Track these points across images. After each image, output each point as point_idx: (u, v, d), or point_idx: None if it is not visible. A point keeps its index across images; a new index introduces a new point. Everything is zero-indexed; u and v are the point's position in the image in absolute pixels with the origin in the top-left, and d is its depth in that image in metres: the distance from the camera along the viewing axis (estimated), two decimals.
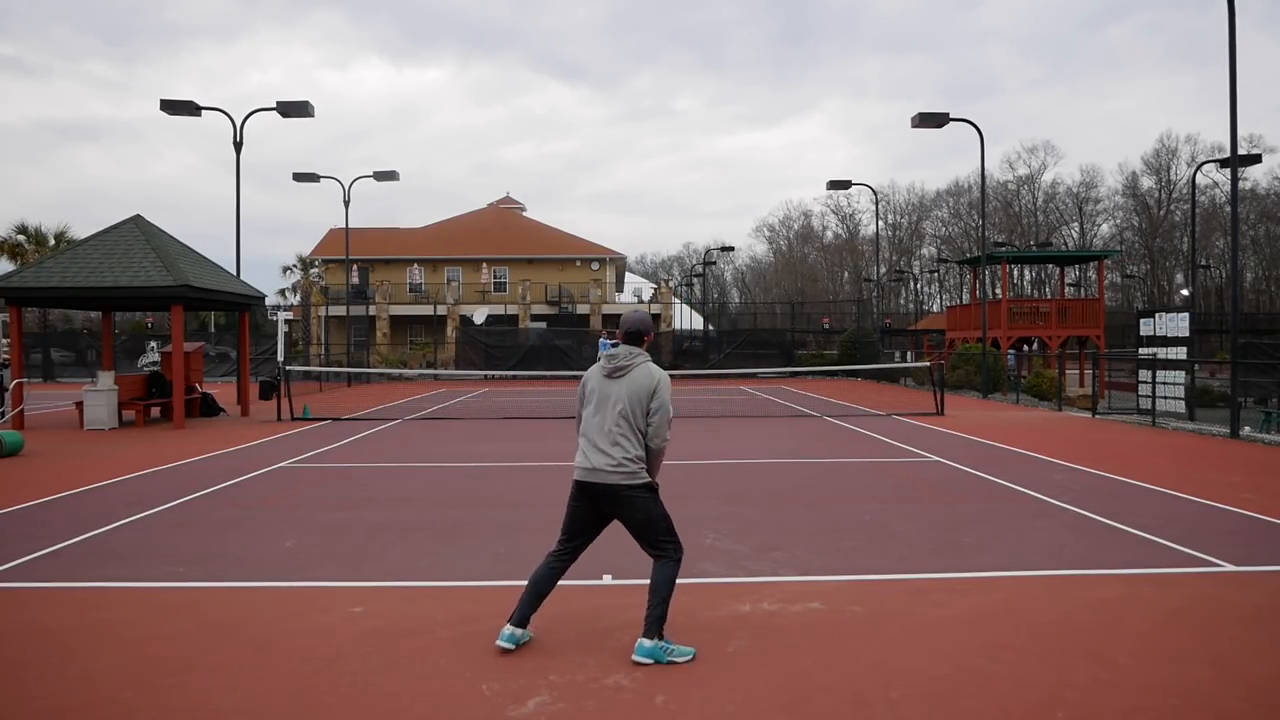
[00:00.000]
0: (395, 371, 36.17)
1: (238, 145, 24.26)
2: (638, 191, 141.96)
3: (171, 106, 23.38)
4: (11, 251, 43.05)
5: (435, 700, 4.01)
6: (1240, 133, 14.93)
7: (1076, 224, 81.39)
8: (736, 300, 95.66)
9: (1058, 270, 40.13)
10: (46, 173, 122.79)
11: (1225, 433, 14.88)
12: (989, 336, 25.77)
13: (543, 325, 45.73)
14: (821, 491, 9.63)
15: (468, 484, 10.25)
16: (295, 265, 69.02)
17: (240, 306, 20.70)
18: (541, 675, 4.27)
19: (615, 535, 7.38)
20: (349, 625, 5.07)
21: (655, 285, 55.29)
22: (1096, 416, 18.84)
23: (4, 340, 19.53)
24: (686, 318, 52.74)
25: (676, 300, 53.69)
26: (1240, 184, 24.46)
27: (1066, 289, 47.36)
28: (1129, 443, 14.09)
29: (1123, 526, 7.59)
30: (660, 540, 4.59)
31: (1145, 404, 18.20)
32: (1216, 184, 68.69)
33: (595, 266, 51.16)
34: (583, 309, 47.77)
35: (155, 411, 19.33)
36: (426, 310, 47.64)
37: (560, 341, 42.00)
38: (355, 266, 47.53)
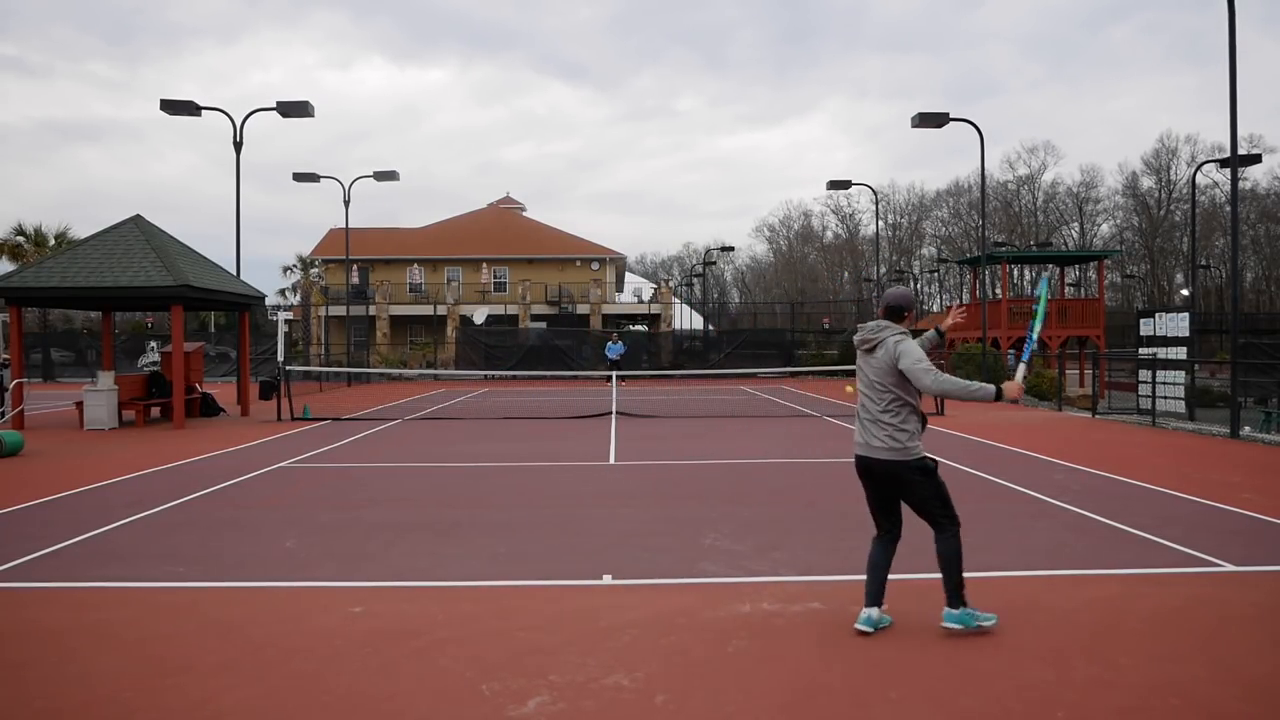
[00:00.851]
0: (395, 371, 36.18)
1: (238, 145, 24.26)
2: (639, 192, 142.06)
3: (171, 106, 23.38)
4: (11, 252, 43.05)
5: (435, 700, 4.01)
6: (1240, 133, 14.93)
7: (1076, 224, 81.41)
8: (736, 300, 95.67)
9: (1058, 270, 40.09)
10: (47, 173, 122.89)
11: (1225, 433, 14.88)
12: (989, 336, 25.77)
13: (543, 325, 45.74)
14: (821, 491, 9.63)
15: (468, 484, 10.25)
16: (295, 265, 69.11)
17: (240, 306, 20.71)
18: (541, 675, 4.27)
19: (615, 535, 7.39)
20: (349, 625, 5.07)
21: (655, 285, 55.29)
22: (1096, 416, 18.84)
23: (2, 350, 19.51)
24: (686, 318, 52.74)
25: (676, 300, 53.71)
26: (1240, 184, 24.46)
27: (1066, 289, 47.33)
28: (1129, 443, 14.09)
29: (1123, 526, 7.59)
30: (937, 516, 4.81)
31: (1145, 404, 18.19)
32: (1216, 184, 68.73)
33: (595, 266, 51.17)
34: (583, 309, 47.79)
35: (155, 411, 19.33)
36: (426, 310, 47.65)
37: (560, 341, 42.01)
38: (355, 266, 47.53)
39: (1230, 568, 6.25)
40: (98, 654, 4.63)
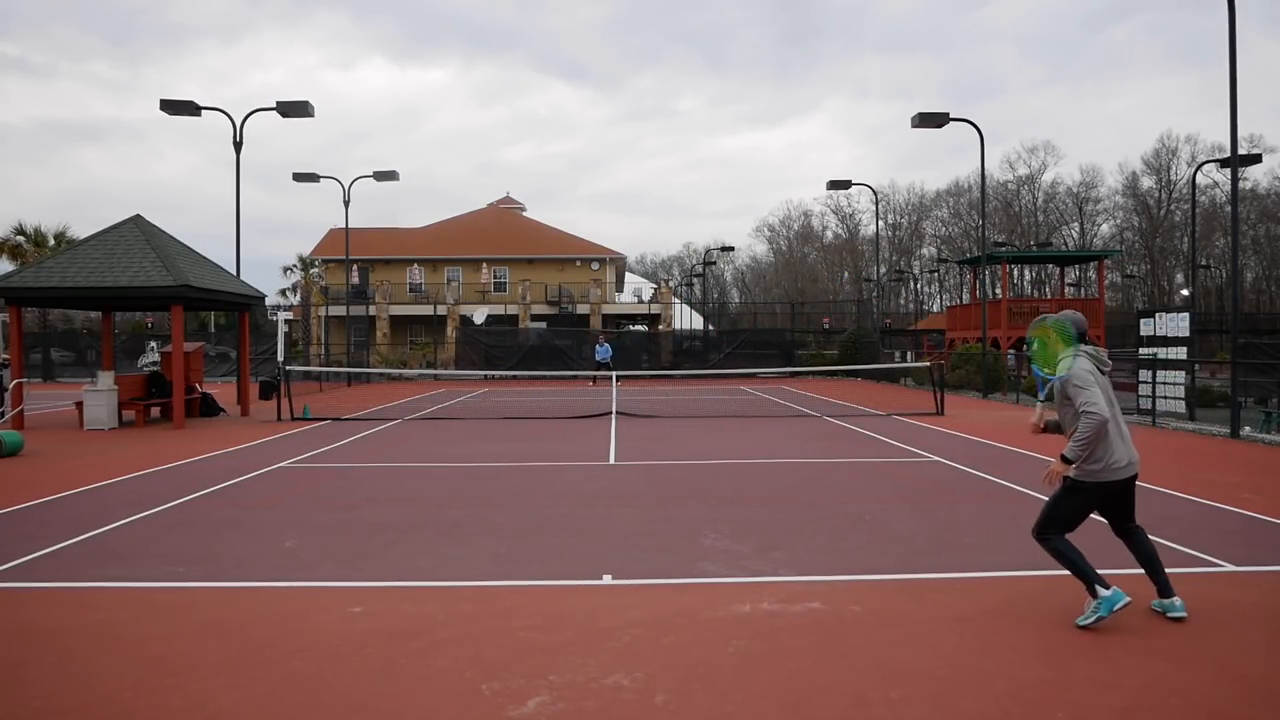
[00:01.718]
0: (395, 371, 36.17)
1: (238, 145, 24.26)
2: (639, 192, 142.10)
3: (171, 106, 23.38)
4: (11, 251, 43.05)
5: (435, 700, 4.01)
6: (1240, 133, 14.93)
7: (1076, 224, 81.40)
8: (736, 300, 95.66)
9: (1058, 270, 40.08)
10: (49, 173, 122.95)
11: (1225, 433, 14.88)
12: (989, 336, 25.77)
13: (543, 325, 45.74)
14: (821, 491, 9.63)
15: (468, 484, 10.24)
16: (295, 265, 69.00)
17: (240, 306, 20.71)
18: (541, 675, 4.27)
19: (615, 535, 7.39)
20: (349, 625, 5.07)
21: (655, 285, 55.29)
22: None
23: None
24: (686, 318, 52.74)
25: (676, 300, 53.69)
26: (1240, 184, 24.45)
27: (1066, 289, 47.35)
28: None
29: None
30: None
31: (1145, 404, 18.19)
32: (1216, 184, 68.73)
33: (595, 266, 51.17)
34: (583, 309, 47.78)
35: (155, 411, 19.33)
36: (426, 310, 47.65)
37: (560, 341, 42.00)
38: (355, 266, 47.53)
39: (1230, 568, 6.25)
40: (98, 654, 4.63)
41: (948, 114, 23.43)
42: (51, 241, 43.56)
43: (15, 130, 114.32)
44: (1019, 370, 28.02)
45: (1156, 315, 18.98)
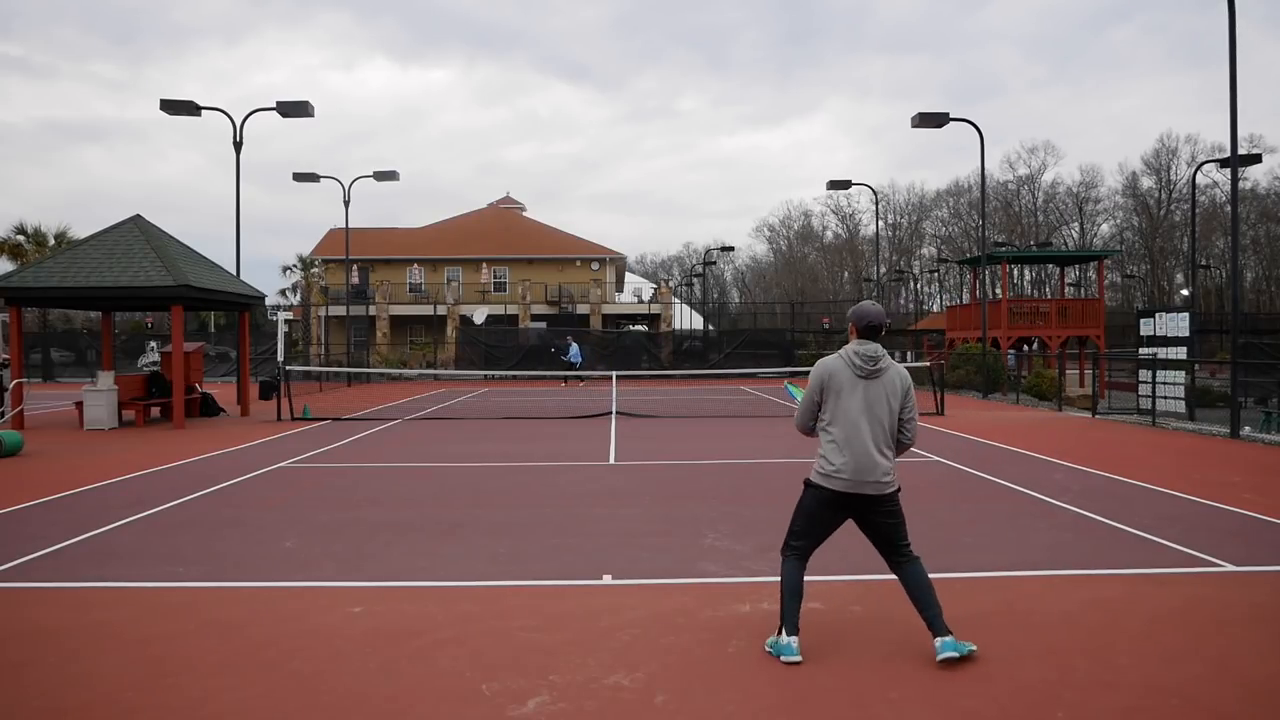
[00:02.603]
0: (395, 371, 36.16)
1: (237, 145, 24.27)
2: (640, 192, 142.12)
3: (171, 106, 23.39)
4: (11, 251, 43.05)
5: (435, 700, 4.01)
6: (1240, 133, 14.93)
7: (1076, 224, 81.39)
8: (736, 300, 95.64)
9: (1058, 270, 40.07)
10: (50, 173, 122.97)
11: (1225, 433, 14.88)
12: (989, 336, 25.76)
13: (543, 325, 45.72)
14: None
15: (468, 484, 10.24)
16: (295, 265, 69.00)
17: (240, 306, 20.71)
18: (541, 675, 4.27)
19: (615, 535, 7.38)
20: (349, 625, 5.07)
21: (655, 285, 55.28)
22: (1096, 416, 18.84)
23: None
24: (686, 318, 52.74)
25: (676, 300, 53.69)
26: (1240, 184, 24.46)
27: (1066, 289, 47.35)
28: (1129, 443, 14.08)
29: (1123, 526, 7.59)
30: (905, 541, 4.57)
31: (1145, 404, 18.19)
32: (1216, 184, 68.71)
33: (595, 266, 51.16)
34: (583, 309, 47.76)
35: (155, 411, 19.32)
36: (426, 310, 47.64)
37: (560, 342, 41.97)
38: (355, 266, 47.52)
39: (1230, 568, 6.25)
40: (98, 654, 4.63)
41: (948, 114, 23.44)
42: (52, 241, 43.58)
43: (17, 130, 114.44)
44: (1019, 370, 28.02)
45: (1156, 315, 18.98)
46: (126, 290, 16.97)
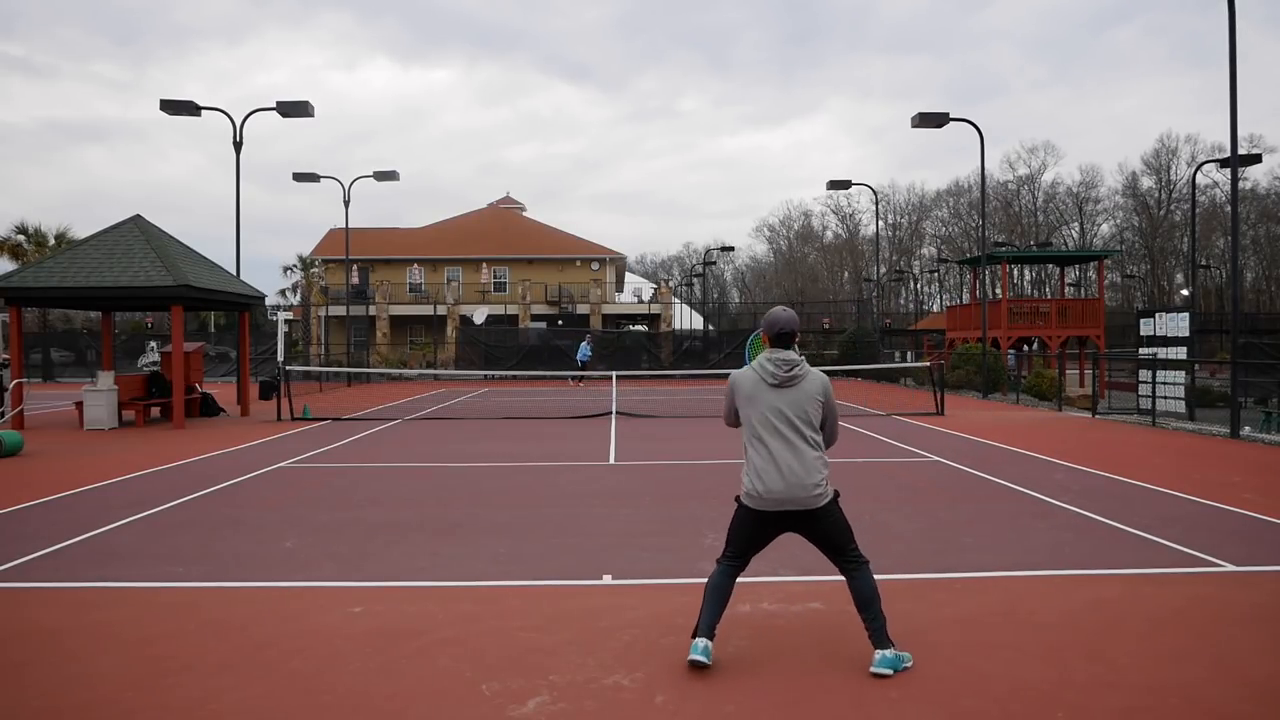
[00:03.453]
0: (395, 371, 36.16)
1: (237, 145, 24.27)
2: (641, 192, 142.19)
3: (172, 106, 23.38)
4: (11, 251, 43.06)
5: (435, 700, 4.01)
6: (1240, 133, 14.94)
7: (1076, 224, 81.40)
8: (736, 300, 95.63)
9: (1058, 270, 40.07)
10: (51, 173, 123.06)
11: (1225, 433, 14.88)
12: (989, 336, 25.76)
13: (543, 325, 45.73)
14: None
15: (468, 484, 10.24)
16: (295, 265, 68.99)
17: (240, 306, 20.71)
18: (541, 675, 4.27)
19: (615, 535, 7.38)
20: (349, 625, 5.07)
21: (655, 285, 55.28)
22: (1096, 416, 18.84)
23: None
24: (686, 318, 52.72)
25: (676, 300, 53.68)
26: (1240, 184, 24.46)
27: (1066, 289, 47.34)
28: (1129, 443, 14.08)
29: (1123, 526, 7.59)
30: (851, 548, 4.36)
31: (1145, 404, 18.19)
32: (1216, 184, 68.74)
33: (595, 266, 51.16)
34: (583, 309, 47.78)
35: (155, 411, 19.32)
36: (426, 310, 47.63)
37: (560, 341, 41.98)
38: (355, 266, 47.52)
39: (1230, 568, 6.25)
40: (98, 654, 4.63)
41: (948, 114, 23.44)
42: (52, 241, 43.58)
43: (19, 130, 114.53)
44: (1019, 370, 28.02)
45: (1156, 315, 18.98)
46: (126, 290, 16.97)
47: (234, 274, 21.42)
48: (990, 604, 5.39)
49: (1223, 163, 34.96)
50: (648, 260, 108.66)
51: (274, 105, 24.28)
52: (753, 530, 4.41)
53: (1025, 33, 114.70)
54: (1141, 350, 18.96)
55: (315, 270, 58.32)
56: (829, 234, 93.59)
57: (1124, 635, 4.80)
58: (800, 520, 4.31)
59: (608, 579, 6.04)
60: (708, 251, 70.53)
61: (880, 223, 64.62)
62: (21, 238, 43.74)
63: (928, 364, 24.60)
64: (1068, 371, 25.40)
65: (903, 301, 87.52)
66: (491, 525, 7.84)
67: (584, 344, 35.52)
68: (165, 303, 18.66)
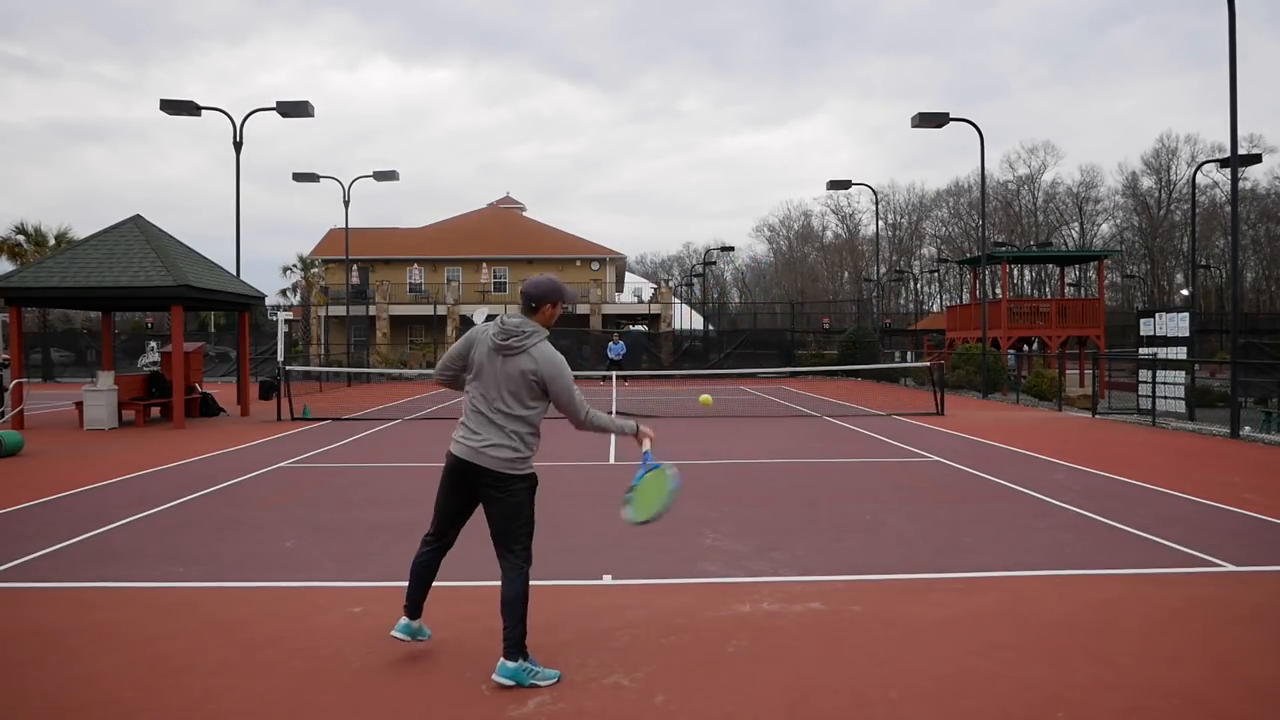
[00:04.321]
0: (395, 371, 36.16)
1: (237, 145, 24.27)
2: (642, 192, 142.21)
3: (171, 106, 23.39)
4: (11, 251, 43.08)
5: (435, 700, 4.01)
6: (1240, 133, 14.94)
7: (1076, 224, 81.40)
8: (736, 300, 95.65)
9: (1058, 270, 40.07)
10: (52, 173, 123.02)
11: (1225, 433, 14.88)
12: (989, 336, 25.77)
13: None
14: (821, 491, 9.63)
15: None
16: (295, 265, 69.06)
17: (240, 306, 20.70)
18: None
19: (615, 535, 7.38)
20: (349, 625, 5.07)
21: (655, 285, 55.28)
22: (1096, 416, 18.84)
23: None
24: (686, 318, 52.72)
25: (676, 300, 53.68)
26: (1240, 184, 24.46)
27: (1066, 289, 47.34)
28: (1129, 443, 14.08)
29: (1123, 526, 7.59)
30: (516, 543, 4.28)
31: (1145, 404, 18.19)
32: (1216, 184, 68.75)
33: (595, 267, 51.16)
34: (583, 309, 47.75)
35: (155, 411, 19.32)
36: (426, 310, 47.63)
37: (560, 341, 41.81)
38: (355, 266, 47.52)
39: (1230, 568, 6.25)
40: (98, 654, 4.63)
41: (947, 114, 23.44)
42: (52, 241, 43.61)
43: (20, 130, 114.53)
44: (1019, 370, 28.01)
45: (1156, 315, 18.98)
46: (126, 290, 16.97)
47: (234, 274, 21.41)
48: (990, 604, 5.39)
49: (1223, 163, 34.96)
50: (648, 260, 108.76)
51: (274, 105, 24.29)
52: (447, 480, 4.43)
53: (1026, 33, 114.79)
54: (1141, 350, 18.96)
55: (315, 270, 58.34)
56: (829, 234, 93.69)
57: (1124, 635, 4.80)
58: (479, 480, 4.32)
59: (608, 579, 6.04)
60: (708, 251, 70.54)
61: (880, 223, 64.65)
62: (21, 238, 43.77)
63: (928, 364, 24.60)
64: (1068, 371, 25.40)
65: (903, 301, 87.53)
66: None
67: (617, 342, 35.57)
68: (165, 303, 18.65)
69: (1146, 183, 76.71)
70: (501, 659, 4.13)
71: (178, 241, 19.21)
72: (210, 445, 14.15)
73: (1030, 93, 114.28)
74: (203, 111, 23.73)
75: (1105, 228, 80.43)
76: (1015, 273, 70.34)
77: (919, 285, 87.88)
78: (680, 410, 21.03)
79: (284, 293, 67.21)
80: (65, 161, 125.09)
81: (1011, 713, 3.82)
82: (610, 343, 36.01)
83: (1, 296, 17.80)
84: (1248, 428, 15.09)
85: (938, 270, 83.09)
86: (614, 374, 28.62)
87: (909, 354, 44.54)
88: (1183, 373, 17.54)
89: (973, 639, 4.74)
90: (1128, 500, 8.85)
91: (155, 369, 21.43)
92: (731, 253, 75.21)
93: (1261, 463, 11.71)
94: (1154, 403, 17.43)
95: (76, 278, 17.01)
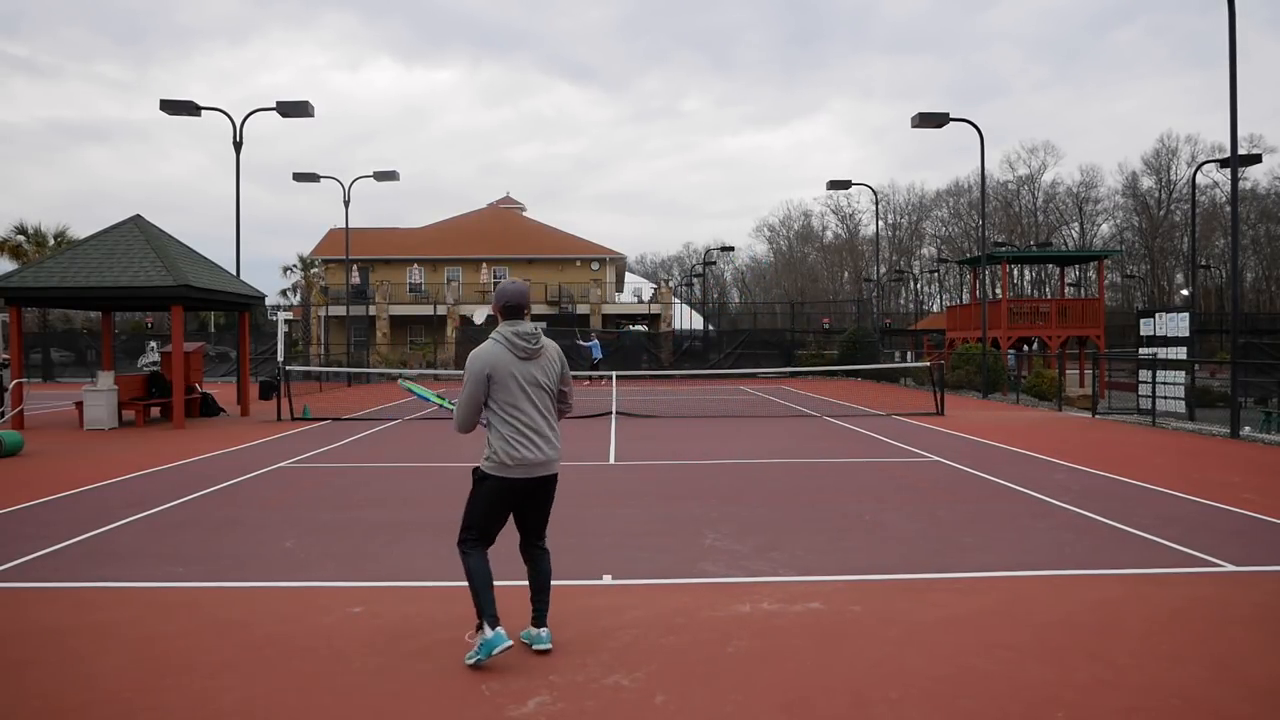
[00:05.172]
0: (395, 372, 36.15)
1: (237, 145, 24.27)
2: (643, 192, 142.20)
3: (172, 106, 23.39)
4: (11, 251, 43.07)
5: (435, 700, 4.01)
6: (1241, 133, 14.94)
7: (1076, 224, 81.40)
8: (736, 300, 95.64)
9: (1058, 270, 40.06)
10: (53, 173, 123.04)
11: (1225, 433, 14.88)
12: (989, 336, 25.77)
13: (543, 325, 45.59)
14: (821, 491, 9.63)
15: (467, 484, 10.21)
16: (295, 265, 69.06)
17: (240, 306, 20.70)
18: (541, 675, 4.27)
19: (615, 535, 7.38)
20: (349, 625, 5.07)
21: (655, 285, 55.27)
22: (1096, 416, 18.84)
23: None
24: (686, 318, 52.73)
25: (676, 300, 53.68)
26: (1240, 184, 24.45)
27: (1066, 289, 47.34)
28: (1129, 443, 14.08)
29: (1123, 526, 7.59)
30: (545, 528, 4.72)
31: (1145, 404, 18.19)
32: (1216, 184, 68.74)
33: (595, 267, 51.16)
34: (582, 309, 47.76)
35: (155, 411, 19.32)
36: (426, 310, 47.64)
37: (560, 341, 41.92)
38: (355, 266, 47.52)
39: (1230, 568, 6.25)
40: (99, 654, 4.63)
41: (948, 114, 23.44)
42: (51, 241, 43.58)
43: (22, 130, 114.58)
44: (1019, 370, 28.01)
45: (1156, 315, 18.98)
46: (126, 290, 16.97)
47: (234, 274, 21.41)
48: (990, 604, 5.39)
49: (1223, 163, 34.96)
50: (648, 260, 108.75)
51: (274, 105, 24.29)
52: (502, 503, 4.55)
53: (1027, 33, 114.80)
54: (1141, 350, 18.96)
55: (315, 270, 58.34)
56: (829, 234, 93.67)
57: (1124, 635, 4.80)
58: (536, 489, 4.53)
59: (608, 579, 6.04)
60: (708, 251, 70.53)
61: (880, 223, 64.65)
62: (21, 238, 43.74)
63: (928, 364, 24.60)
64: (1068, 371, 25.40)
65: (903, 301, 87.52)
66: None
67: (594, 343, 35.47)
68: (165, 303, 18.65)
69: (1146, 183, 76.79)
70: (545, 628, 4.57)
71: (178, 241, 19.21)
72: (210, 445, 14.15)
73: (1031, 93, 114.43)
74: (203, 111, 23.75)
75: (1105, 228, 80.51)
76: (1015, 273, 70.36)
77: (919, 285, 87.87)
78: (680, 410, 21.02)
79: (284, 293, 67.25)
80: (66, 161, 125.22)
81: (1011, 713, 3.82)
82: (579, 342, 35.51)
83: (1, 296, 17.80)
84: (1248, 428, 15.09)
85: (938, 270, 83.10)
86: (606, 374, 28.62)
87: (909, 354, 44.54)
88: (1183, 373, 17.54)
89: (972, 639, 4.74)
90: (1128, 500, 8.85)
91: (155, 369, 21.43)
92: (731, 253, 75.22)
93: (1261, 463, 11.71)
94: (1154, 403, 17.43)
95: (76, 278, 17.01)
